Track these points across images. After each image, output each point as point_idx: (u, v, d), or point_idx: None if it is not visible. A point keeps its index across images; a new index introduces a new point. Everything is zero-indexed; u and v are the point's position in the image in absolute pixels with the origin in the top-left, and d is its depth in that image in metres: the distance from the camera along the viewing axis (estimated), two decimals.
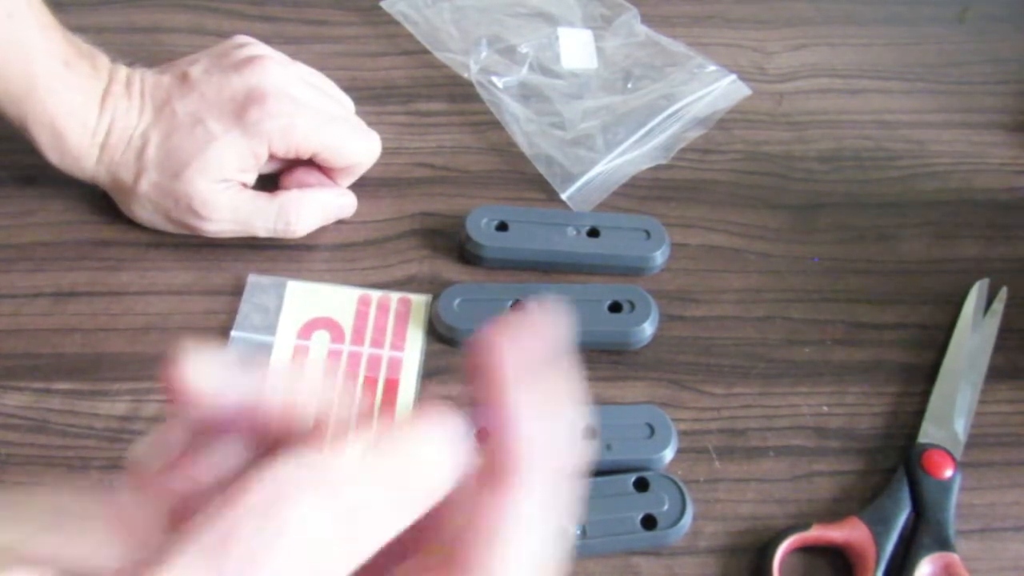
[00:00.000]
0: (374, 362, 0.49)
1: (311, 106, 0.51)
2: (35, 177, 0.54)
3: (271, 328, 0.50)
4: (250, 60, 0.50)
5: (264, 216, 0.51)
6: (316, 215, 0.53)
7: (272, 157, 0.51)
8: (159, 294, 0.51)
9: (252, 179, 0.52)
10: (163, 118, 0.49)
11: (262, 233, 0.52)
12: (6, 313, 0.50)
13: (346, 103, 0.56)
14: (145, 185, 0.49)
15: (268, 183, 0.55)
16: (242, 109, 0.49)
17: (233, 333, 0.49)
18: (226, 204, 0.50)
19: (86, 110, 0.49)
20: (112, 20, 0.63)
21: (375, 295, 0.52)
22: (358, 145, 0.53)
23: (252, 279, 0.51)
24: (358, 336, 0.50)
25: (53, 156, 0.49)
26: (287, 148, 0.50)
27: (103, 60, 0.50)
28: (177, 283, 0.51)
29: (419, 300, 0.52)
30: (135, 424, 0.47)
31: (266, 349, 0.49)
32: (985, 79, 0.66)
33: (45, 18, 0.48)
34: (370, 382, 0.49)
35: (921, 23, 0.69)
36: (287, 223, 0.51)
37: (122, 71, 0.50)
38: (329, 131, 0.51)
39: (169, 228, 0.52)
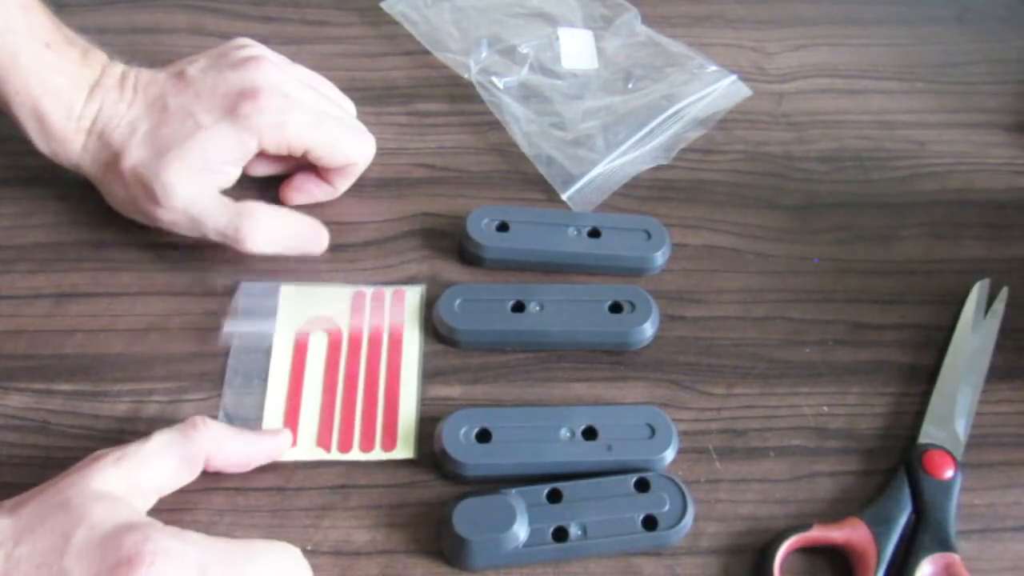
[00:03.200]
0: (374, 349, 0.50)
1: (305, 104, 0.51)
2: (35, 178, 0.54)
3: (268, 331, 0.50)
4: (247, 59, 0.50)
5: (217, 217, 0.49)
6: (273, 235, 0.50)
7: (264, 155, 0.51)
8: (159, 295, 0.51)
9: (235, 174, 0.51)
10: (154, 111, 0.49)
11: (212, 235, 0.49)
12: (6, 314, 0.50)
13: (347, 106, 0.56)
14: (126, 165, 0.48)
15: (270, 187, 0.55)
16: (234, 104, 0.48)
17: (234, 341, 0.49)
18: (185, 193, 0.48)
19: (70, 94, 0.48)
20: (113, 20, 0.63)
21: (369, 290, 0.52)
22: (352, 144, 0.53)
23: (244, 286, 0.51)
24: (356, 329, 0.50)
25: (40, 142, 0.49)
26: (278, 144, 0.50)
27: (98, 54, 0.50)
28: (177, 284, 0.51)
29: (413, 291, 0.52)
30: (136, 425, 0.47)
31: (264, 352, 0.49)
32: (985, 79, 0.66)
33: (28, 0, 0.48)
34: (372, 370, 0.49)
35: (921, 23, 0.69)
36: (237, 230, 0.49)
37: (118, 67, 0.50)
38: (322, 128, 0.51)
39: (136, 217, 0.51)
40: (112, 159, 0.49)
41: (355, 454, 0.46)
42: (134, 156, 0.48)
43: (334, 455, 0.46)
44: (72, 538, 0.36)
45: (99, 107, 0.49)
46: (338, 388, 0.48)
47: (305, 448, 0.46)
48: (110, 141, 0.49)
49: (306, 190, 0.54)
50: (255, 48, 0.52)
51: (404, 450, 0.47)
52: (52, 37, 0.48)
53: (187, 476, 0.42)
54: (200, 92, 0.49)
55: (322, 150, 0.51)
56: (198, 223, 0.49)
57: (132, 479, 0.40)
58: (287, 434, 0.46)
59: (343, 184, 0.54)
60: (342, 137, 0.52)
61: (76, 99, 0.48)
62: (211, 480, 0.44)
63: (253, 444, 0.45)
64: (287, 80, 0.51)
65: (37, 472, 0.45)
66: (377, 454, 0.46)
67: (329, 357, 0.49)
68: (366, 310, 0.51)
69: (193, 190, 0.49)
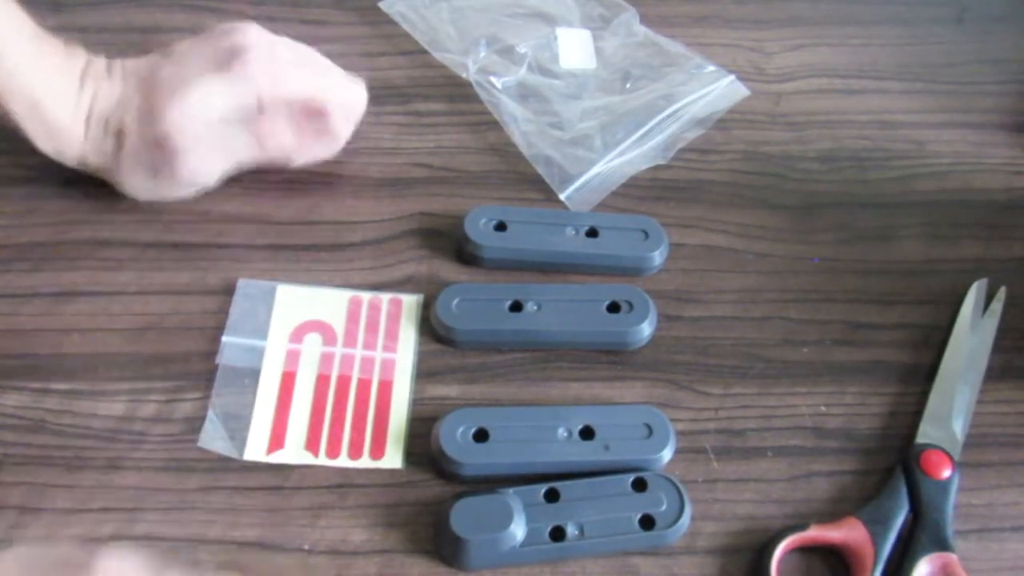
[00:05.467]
0: (367, 364, 0.49)
1: (295, 53, 0.52)
2: (34, 177, 0.54)
3: (262, 332, 0.50)
4: (233, 26, 0.51)
5: (242, 134, 0.50)
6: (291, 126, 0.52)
7: (259, 133, 0.51)
8: (157, 294, 0.51)
9: (239, 146, 0.51)
10: (145, 85, 0.49)
11: (246, 157, 0.51)
12: (4, 313, 0.50)
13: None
14: (129, 143, 0.49)
15: (269, 187, 0.55)
16: (225, 60, 0.49)
17: (224, 338, 0.49)
18: (200, 125, 0.49)
19: (64, 86, 0.48)
20: (112, 20, 0.63)
21: (366, 296, 0.52)
22: (346, 83, 0.54)
23: (241, 283, 0.51)
24: (350, 338, 0.50)
25: (40, 140, 0.49)
26: (276, 91, 0.50)
27: (76, 46, 0.50)
28: (175, 283, 0.51)
29: (410, 300, 0.52)
30: (133, 424, 0.47)
31: (258, 353, 0.49)
32: (985, 79, 0.66)
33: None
34: (363, 384, 0.49)
35: (920, 23, 0.69)
36: (262, 135, 0.51)
37: (100, 58, 0.51)
38: (315, 70, 0.52)
39: (161, 191, 0.51)
40: (115, 141, 0.49)
41: (343, 460, 0.46)
42: (136, 125, 0.49)
43: (321, 460, 0.46)
44: None
45: (93, 94, 0.49)
46: (329, 393, 0.48)
47: (293, 451, 0.46)
48: (109, 123, 0.49)
49: (306, 148, 0.54)
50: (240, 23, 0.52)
51: (392, 459, 0.46)
52: (35, 31, 0.48)
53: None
54: (188, 57, 0.49)
55: (321, 91, 0.52)
56: (226, 147, 0.50)
57: None
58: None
59: (345, 129, 0.54)
60: (336, 76, 0.53)
61: (70, 88, 0.48)
62: (209, 479, 0.44)
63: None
64: (274, 40, 0.52)
65: (34, 471, 0.45)
66: (365, 462, 0.46)
67: (322, 361, 0.49)
68: (362, 316, 0.51)
69: (200, 122, 0.49)
